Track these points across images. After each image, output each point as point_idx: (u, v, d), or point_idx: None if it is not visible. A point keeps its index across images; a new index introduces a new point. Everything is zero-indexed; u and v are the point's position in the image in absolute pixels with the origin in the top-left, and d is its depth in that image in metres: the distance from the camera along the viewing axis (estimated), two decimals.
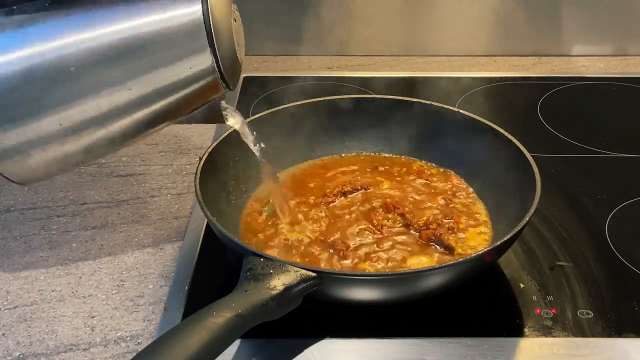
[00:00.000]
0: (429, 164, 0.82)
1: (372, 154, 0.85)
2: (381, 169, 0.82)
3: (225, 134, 0.75)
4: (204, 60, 0.58)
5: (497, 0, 1.21)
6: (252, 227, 0.73)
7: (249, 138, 0.69)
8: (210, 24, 0.57)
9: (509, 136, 0.74)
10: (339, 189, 0.77)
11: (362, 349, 0.61)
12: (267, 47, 1.25)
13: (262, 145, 0.71)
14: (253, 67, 1.21)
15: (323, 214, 0.74)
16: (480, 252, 0.59)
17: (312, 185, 0.79)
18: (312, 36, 1.24)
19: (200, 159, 0.70)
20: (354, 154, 0.85)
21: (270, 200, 0.75)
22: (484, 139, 0.77)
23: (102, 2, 0.56)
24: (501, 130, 0.75)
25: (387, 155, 0.85)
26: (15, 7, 0.56)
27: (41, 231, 0.78)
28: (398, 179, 0.80)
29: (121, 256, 0.75)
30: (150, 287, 0.70)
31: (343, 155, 0.85)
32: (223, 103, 0.66)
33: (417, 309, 0.64)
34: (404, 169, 0.82)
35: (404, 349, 0.60)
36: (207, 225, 0.76)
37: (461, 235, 0.70)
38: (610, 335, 0.62)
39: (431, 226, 0.70)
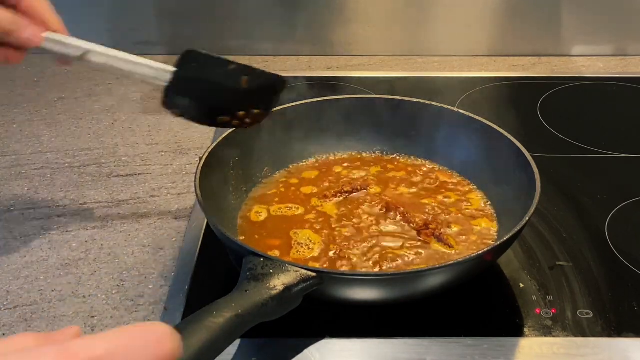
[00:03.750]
0: (428, 163, 0.82)
1: (371, 153, 0.85)
2: (381, 168, 0.82)
3: (226, 134, 0.75)
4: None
5: (497, 0, 1.21)
6: (252, 226, 0.73)
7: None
8: None
9: (509, 136, 0.74)
10: (339, 189, 0.77)
11: (362, 349, 0.61)
12: (267, 47, 1.25)
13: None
14: None
15: (323, 214, 0.74)
16: (480, 252, 0.59)
17: (311, 185, 0.79)
18: (312, 36, 1.24)
19: (200, 159, 0.70)
20: (353, 153, 0.85)
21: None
22: (484, 139, 0.77)
23: None
24: (501, 131, 0.75)
25: (386, 154, 0.85)
26: None
27: (41, 231, 0.78)
28: (397, 178, 0.80)
29: (121, 256, 0.75)
30: (150, 287, 0.70)
31: (342, 154, 0.85)
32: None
33: (417, 309, 0.64)
34: (404, 169, 0.82)
35: (404, 349, 0.60)
36: (207, 225, 0.76)
37: (461, 235, 0.70)
38: (610, 335, 0.62)
39: (431, 226, 0.70)
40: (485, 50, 1.25)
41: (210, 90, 0.68)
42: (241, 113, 0.69)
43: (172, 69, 0.66)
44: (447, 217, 0.73)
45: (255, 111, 0.69)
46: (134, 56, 0.66)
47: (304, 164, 0.83)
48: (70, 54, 0.66)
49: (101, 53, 0.66)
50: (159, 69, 0.66)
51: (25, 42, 0.66)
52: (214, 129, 0.99)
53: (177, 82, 0.66)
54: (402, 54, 1.25)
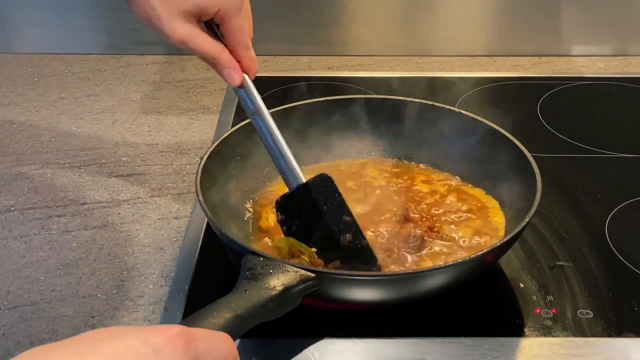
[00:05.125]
0: (429, 163, 0.82)
1: (372, 154, 0.85)
2: (382, 169, 0.82)
3: (227, 134, 0.75)
4: None
5: (497, 0, 1.21)
6: (252, 226, 0.73)
7: None
8: None
9: (509, 136, 0.74)
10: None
11: (362, 349, 0.61)
12: (267, 47, 1.25)
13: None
14: None
15: None
16: (481, 253, 0.59)
17: None
18: (312, 36, 1.24)
19: (202, 158, 0.71)
20: (353, 154, 0.85)
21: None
22: (484, 139, 0.77)
23: None
24: (501, 130, 0.75)
25: (386, 155, 0.84)
26: None
27: (41, 231, 0.78)
28: (399, 180, 0.80)
29: (121, 256, 0.75)
30: (150, 287, 0.70)
31: (343, 155, 0.84)
32: None
33: (417, 309, 0.64)
34: (405, 170, 0.81)
35: (404, 349, 0.60)
36: (207, 225, 0.76)
37: (462, 235, 0.70)
38: (610, 335, 0.62)
39: (433, 227, 0.70)
40: (485, 50, 1.25)
41: (314, 219, 0.65)
42: (319, 261, 0.64)
43: (303, 179, 0.65)
44: (449, 217, 0.73)
45: (331, 264, 0.64)
46: (285, 144, 0.66)
47: (305, 166, 0.83)
48: (249, 106, 0.66)
49: (266, 118, 0.66)
50: (294, 172, 0.65)
51: (224, 76, 0.65)
52: (214, 128, 0.99)
53: (298, 193, 0.65)
54: (402, 54, 1.25)
